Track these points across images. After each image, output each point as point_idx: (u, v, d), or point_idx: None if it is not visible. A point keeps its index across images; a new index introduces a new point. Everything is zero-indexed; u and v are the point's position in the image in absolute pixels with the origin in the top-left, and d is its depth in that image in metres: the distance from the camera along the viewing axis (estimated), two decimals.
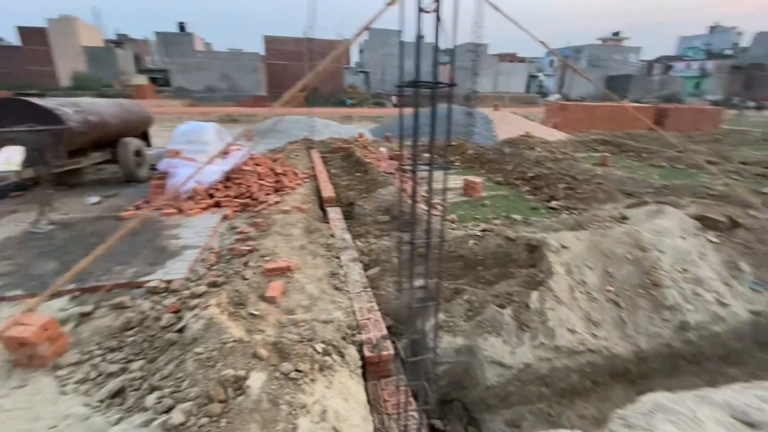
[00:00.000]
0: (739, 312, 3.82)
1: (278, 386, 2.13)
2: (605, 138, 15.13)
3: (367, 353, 3.00)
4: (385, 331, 3.25)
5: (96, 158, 7.02)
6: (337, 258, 4.65)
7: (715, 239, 4.37)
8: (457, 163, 11.38)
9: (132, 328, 3.32)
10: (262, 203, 6.63)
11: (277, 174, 7.97)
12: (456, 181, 9.19)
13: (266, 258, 4.28)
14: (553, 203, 7.28)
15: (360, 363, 2.97)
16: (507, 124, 17.23)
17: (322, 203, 7.21)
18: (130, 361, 2.83)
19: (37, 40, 43.28)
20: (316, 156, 10.89)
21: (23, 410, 2.47)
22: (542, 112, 23.20)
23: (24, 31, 43.42)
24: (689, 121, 19.60)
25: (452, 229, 5.89)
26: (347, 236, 5.33)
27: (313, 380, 2.34)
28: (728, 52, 59.84)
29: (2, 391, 2.67)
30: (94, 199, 6.46)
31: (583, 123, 18.61)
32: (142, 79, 42.39)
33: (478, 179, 8.32)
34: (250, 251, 4.52)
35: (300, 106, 30.80)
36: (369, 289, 3.91)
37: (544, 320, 3.35)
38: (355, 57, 55.03)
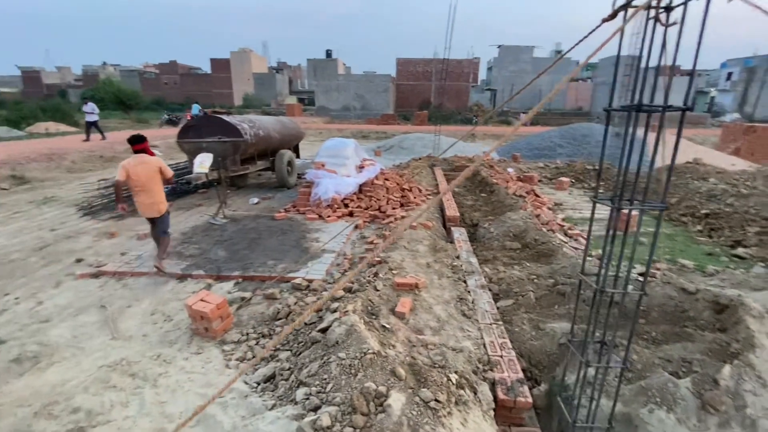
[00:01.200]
0: None
1: (418, 413, 2.05)
2: None
3: (500, 395, 2.73)
4: (520, 374, 2.92)
5: (259, 166, 8.30)
6: (464, 282, 4.46)
7: None
8: (600, 190, 10.02)
9: (280, 318, 3.70)
10: (389, 216, 6.89)
11: (403, 189, 8.21)
12: (601, 210, 8.07)
13: (394, 271, 4.35)
14: (740, 251, 5.73)
15: (493, 405, 2.71)
16: (667, 149, 14.55)
17: (444, 222, 7.12)
18: (278, 350, 3.13)
19: (222, 68, 54.55)
20: (439, 173, 10.92)
21: (200, 375, 2.92)
22: (716, 135, 19.05)
23: (214, 62, 55.22)
24: None
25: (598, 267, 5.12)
26: (473, 260, 5.10)
27: (449, 414, 2.20)
28: None
29: (185, 354, 3.21)
30: (255, 199, 7.61)
31: None
32: (293, 99, 49.52)
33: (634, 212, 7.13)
34: (380, 262, 4.67)
35: (422, 124, 31.67)
36: (500, 323, 3.61)
37: (741, 405, 2.57)
38: (481, 75, 54.24)
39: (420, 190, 8.53)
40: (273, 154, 8.59)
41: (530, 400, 2.70)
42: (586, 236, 6.33)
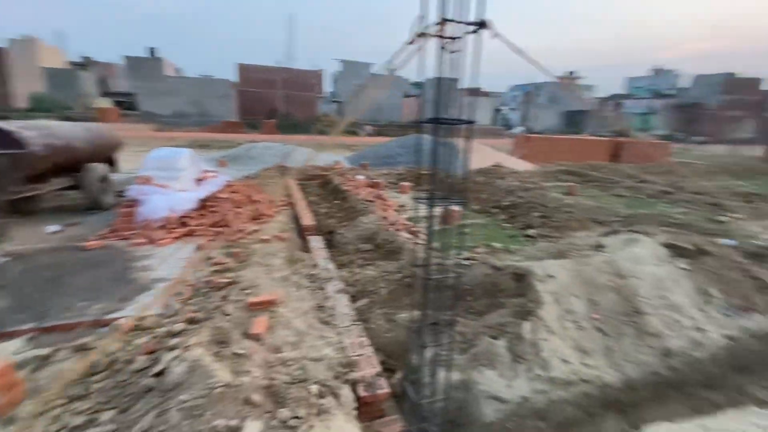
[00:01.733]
0: (715, 337, 3.99)
1: None
2: (570, 169, 15.99)
3: (362, 393, 2.84)
4: (378, 368, 3.11)
5: (57, 184, 6.59)
6: (322, 289, 4.49)
7: (685, 266, 4.60)
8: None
9: (99, 373, 3.00)
10: (239, 232, 6.39)
11: (253, 201, 7.76)
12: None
13: (247, 291, 4.06)
14: (530, 231, 7.49)
15: (355, 404, 2.80)
16: (477, 154, 17.86)
17: (301, 232, 7.05)
18: (98, 411, 2.53)
19: None
20: (292, 183, 10.75)
21: None
22: (508, 144, 24.33)
23: None
24: (642, 154, 21.16)
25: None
26: (331, 266, 5.19)
27: (311, 427, 2.17)
28: (670, 92, 66.09)
29: None
30: (54, 227, 6.00)
31: (547, 154, 19.64)
32: (105, 102, 40.99)
33: (455, 207, 8.45)
34: (230, 284, 4.29)
35: (270, 133, 30.68)
36: (358, 323, 3.77)
37: (538, 351, 3.34)
38: (328, 87, 56.02)
39: (272, 202, 8.21)
40: (79, 169, 6.93)
41: (387, 390, 2.90)
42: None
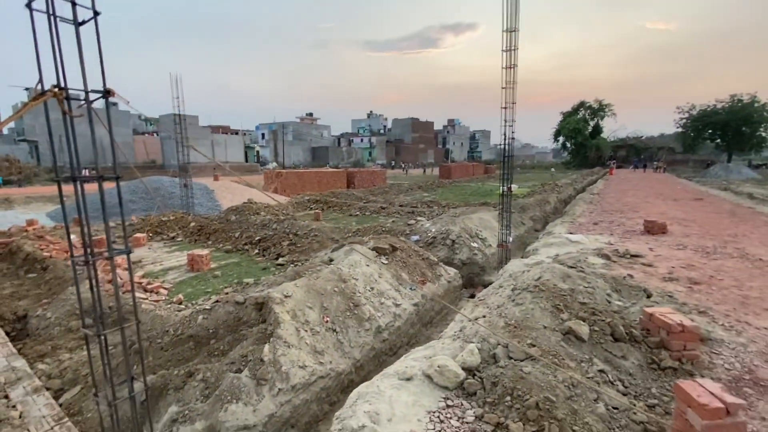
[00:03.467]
0: (408, 307, 5.53)
1: None
2: (316, 198, 18.09)
3: None
4: None
5: None
6: (6, 398, 3.36)
7: (385, 261, 6.17)
8: (179, 238, 10.53)
9: None
10: None
11: None
12: (180, 257, 8.50)
13: None
14: (281, 260, 8.02)
15: None
16: (229, 193, 17.53)
17: None
18: None
19: None
20: None
21: None
22: (263, 180, 25.06)
23: None
24: (368, 179, 26.45)
25: (179, 310, 5.43)
26: (19, 362, 3.94)
27: None
28: (381, 131, 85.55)
29: None
30: None
31: (297, 186, 21.51)
32: None
33: (204, 251, 8.04)
34: None
35: None
36: (65, 419, 3.05)
37: (278, 367, 3.68)
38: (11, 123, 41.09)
39: None
40: None
41: None
42: (165, 287, 6.45)
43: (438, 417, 2.52)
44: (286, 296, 4.55)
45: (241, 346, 3.90)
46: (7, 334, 4.99)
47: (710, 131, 56.01)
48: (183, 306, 5.74)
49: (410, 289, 5.90)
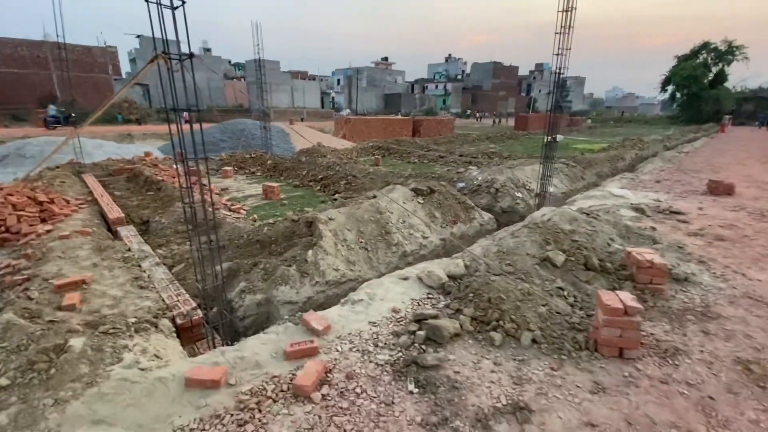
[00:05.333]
0: (435, 240, 6.30)
1: (99, 340, 2.71)
2: (380, 145, 18.90)
3: (179, 321, 3.71)
4: (193, 304, 4.00)
5: None
6: (139, 266, 4.96)
7: (421, 200, 6.90)
8: (258, 173, 12.28)
9: None
10: (27, 235, 5.94)
11: (40, 203, 7.06)
12: (257, 188, 10.12)
13: (51, 281, 4.25)
14: (337, 196, 9.18)
15: (174, 330, 3.65)
16: (302, 137, 19.11)
17: (108, 225, 6.92)
18: None
19: None
20: (91, 180, 9.78)
21: None
22: (333, 126, 26.41)
23: None
24: (435, 128, 26.34)
25: (253, 223, 6.87)
26: (146, 247, 5.59)
27: (131, 336, 2.98)
28: (459, 77, 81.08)
29: None
30: None
31: (364, 133, 22.43)
32: None
33: (276, 184, 9.50)
34: (27, 279, 4.35)
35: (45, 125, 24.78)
36: (175, 282, 4.51)
37: (318, 267, 4.80)
38: (126, 67, 47.56)
39: (68, 201, 7.57)
40: None
41: (201, 316, 3.85)
42: (245, 209, 7.96)
43: (417, 302, 3.37)
44: (330, 219, 5.60)
45: (293, 250, 5.09)
46: (138, 231, 6.89)
47: None
48: (256, 223, 7.19)
49: (441, 225, 6.62)
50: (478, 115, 57.38)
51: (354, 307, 3.37)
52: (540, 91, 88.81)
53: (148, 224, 7.39)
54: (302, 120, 28.96)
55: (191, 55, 2.44)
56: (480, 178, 9.50)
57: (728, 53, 48.97)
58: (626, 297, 2.57)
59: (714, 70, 49.97)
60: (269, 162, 12.93)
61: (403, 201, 6.67)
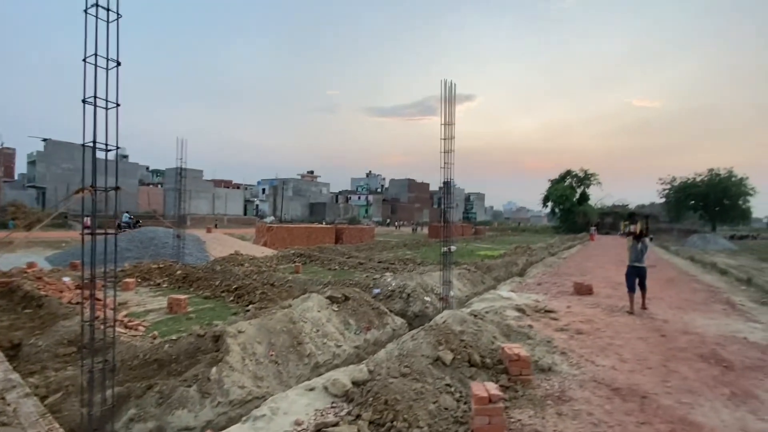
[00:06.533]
0: (348, 349, 6.45)
1: None
2: (301, 252, 19.24)
3: None
4: None
5: None
6: (2, 399, 4.27)
7: (336, 308, 7.19)
8: (164, 285, 11.52)
9: None
10: None
11: None
12: (162, 301, 9.47)
13: None
14: (250, 306, 8.99)
15: None
16: (220, 245, 18.72)
17: None
18: None
19: None
20: None
21: None
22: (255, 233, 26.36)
23: None
24: (357, 236, 27.80)
25: (152, 341, 6.36)
26: (14, 375, 4.85)
27: None
28: (379, 190, 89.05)
29: None
30: None
31: (287, 240, 22.75)
32: None
33: (183, 296, 9.04)
34: None
35: None
36: (48, 415, 3.96)
37: (221, 385, 4.61)
38: (22, 168, 43.74)
39: None
40: None
41: None
42: (144, 325, 7.42)
43: (321, 412, 3.49)
44: (239, 331, 5.55)
45: (196, 368, 4.85)
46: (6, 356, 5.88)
47: (692, 202, 58.51)
48: (156, 340, 6.66)
49: (355, 333, 6.86)
50: (396, 223, 61.95)
51: (255, 423, 3.35)
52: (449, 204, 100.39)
53: (19, 348, 6.38)
54: (216, 226, 28.48)
55: (117, 188, 2.81)
56: (394, 284, 10.20)
57: (586, 179, 62.51)
58: (491, 387, 3.09)
59: (578, 191, 62.70)
60: (179, 272, 12.31)
61: (318, 309, 6.89)
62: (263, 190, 67.63)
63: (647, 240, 8.11)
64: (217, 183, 57.64)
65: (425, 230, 53.18)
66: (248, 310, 8.75)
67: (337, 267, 16.07)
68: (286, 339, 5.88)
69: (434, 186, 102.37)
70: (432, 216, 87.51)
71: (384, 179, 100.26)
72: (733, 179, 54.46)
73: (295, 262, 17.57)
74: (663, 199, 61.32)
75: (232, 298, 9.88)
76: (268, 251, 20.02)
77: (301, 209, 66.11)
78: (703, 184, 56.42)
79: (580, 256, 19.89)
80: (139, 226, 23.79)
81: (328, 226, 29.14)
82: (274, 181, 67.72)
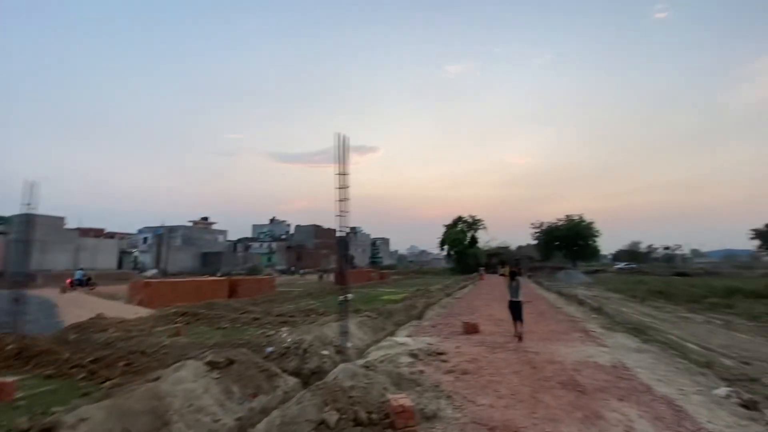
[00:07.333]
0: (229, 422, 5.67)
1: None
2: (186, 310, 17.00)
3: None
4: None
5: None
6: None
7: (217, 375, 6.36)
8: None
9: None
10: None
11: None
12: None
13: None
14: (108, 383, 7.43)
15: None
16: (78, 308, 15.53)
17: None
18: None
19: None
20: None
21: None
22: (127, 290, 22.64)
23: None
24: (255, 288, 25.87)
25: None
26: None
27: None
28: (283, 236, 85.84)
29: None
30: None
31: (169, 297, 19.97)
32: None
33: (12, 379, 7.07)
34: None
35: None
36: None
37: None
38: None
39: None
40: None
41: None
42: None
43: None
44: (81, 420, 4.47)
45: None
46: None
47: (557, 243, 69.23)
48: None
49: (239, 402, 6.10)
50: (301, 271, 59.78)
51: None
52: (355, 250, 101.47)
53: None
54: (72, 285, 23.85)
55: None
56: (289, 340, 9.54)
57: (474, 224, 69.81)
58: None
59: (469, 235, 69.43)
60: (10, 347, 9.70)
61: (194, 379, 6.00)
62: (145, 239, 59.22)
63: (519, 279, 9.66)
64: (85, 232, 48.96)
65: (332, 277, 52.30)
66: (106, 388, 7.18)
67: (227, 325, 14.53)
68: (147, 421, 4.91)
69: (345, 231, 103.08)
70: (339, 261, 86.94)
71: (289, 225, 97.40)
72: (584, 223, 66.56)
73: (176, 322, 15.37)
74: (536, 241, 71.46)
75: (84, 375, 8.03)
76: (144, 311, 17.25)
77: (192, 260, 59.36)
78: (563, 228, 67.60)
79: (471, 295, 21.54)
80: None
81: (221, 278, 26.65)
82: (160, 229, 60.22)
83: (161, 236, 56.68)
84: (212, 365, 6.62)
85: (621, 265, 76.88)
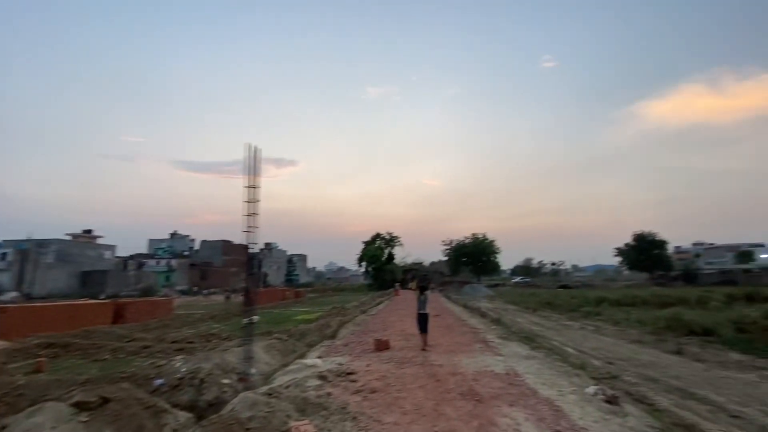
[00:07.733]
0: None
1: None
2: (54, 341, 14.23)
3: None
4: None
5: None
6: None
7: (86, 418, 5.39)
8: None
9: None
10: None
11: None
12: None
13: None
14: None
15: None
16: None
17: None
18: None
19: None
20: None
21: None
22: None
23: None
24: (147, 311, 22.82)
25: None
26: None
27: None
28: (186, 253, 77.87)
29: None
30: None
31: (32, 326, 16.54)
32: None
33: None
34: None
35: None
36: None
37: None
38: None
39: None
40: None
41: None
42: None
43: None
44: None
45: None
46: None
47: (465, 259, 74.54)
48: None
49: None
50: (205, 291, 54.61)
51: None
52: (270, 267, 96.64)
53: None
54: None
55: None
56: (183, 370, 8.54)
57: (391, 241, 71.86)
58: None
59: (386, 251, 71.16)
60: None
61: (54, 425, 4.99)
62: (3, 255, 48.36)
63: (428, 293, 10.41)
64: None
65: (241, 297, 48.61)
66: None
67: (108, 356, 12.49)
68: None
69: (257, 248, 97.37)
70: (252, 281, 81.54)
71: (194, 240, 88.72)
72: (487, 241, 73.05)
73: (38, 356, 12.73)
74: (446, 257, 76.14)
75: None
76: None
77: (68, 279, 50.00)
78: (470, 245, 73.25)
79: (386, 311, 21.91)
80: None
81: (104, 301, 23.06)
82: (24, 244, 49.91)
83: (25, 251, 46.91)
84: (80, 406, 5.61)
85: (517, 279, 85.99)
